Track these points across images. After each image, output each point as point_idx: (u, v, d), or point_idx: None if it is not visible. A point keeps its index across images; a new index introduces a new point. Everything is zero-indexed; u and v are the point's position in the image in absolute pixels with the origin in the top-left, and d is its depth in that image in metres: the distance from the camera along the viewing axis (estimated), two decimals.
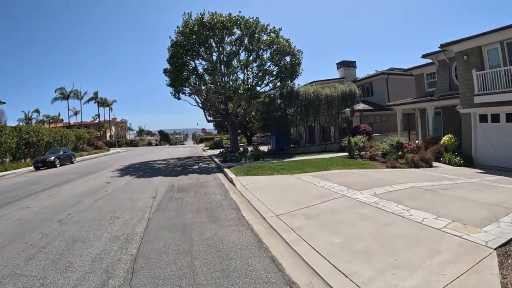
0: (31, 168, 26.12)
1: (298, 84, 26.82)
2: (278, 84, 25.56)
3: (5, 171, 25.13)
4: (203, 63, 25.25)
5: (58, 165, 26.68)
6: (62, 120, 78.05)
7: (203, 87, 27.54)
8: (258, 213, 7.82)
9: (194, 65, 24.18)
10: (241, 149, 26.31)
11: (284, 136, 25.72)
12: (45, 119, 78.25)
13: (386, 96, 31.13)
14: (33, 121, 76.26)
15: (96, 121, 78.43)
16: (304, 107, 25.26)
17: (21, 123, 67.56)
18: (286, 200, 8.75)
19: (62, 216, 8.72)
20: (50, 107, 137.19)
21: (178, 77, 23.53)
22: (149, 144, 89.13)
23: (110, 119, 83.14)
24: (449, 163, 16.58)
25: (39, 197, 12.02)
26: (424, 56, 21.61)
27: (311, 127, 29.59)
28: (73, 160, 30.02)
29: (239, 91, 21.73)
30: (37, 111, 75.98)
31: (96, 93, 74.95)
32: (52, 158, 26.53)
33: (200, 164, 21.79)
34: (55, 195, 12.25)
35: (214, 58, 24.95)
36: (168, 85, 26.25)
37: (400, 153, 18.03)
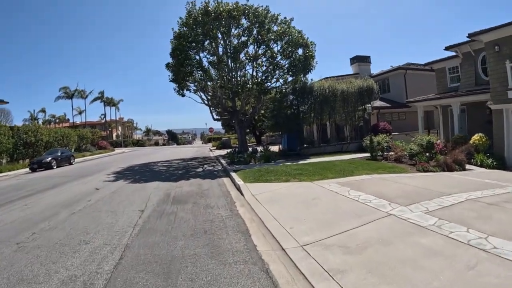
0: (28, 169, 24.48)
1: (311, 79, 24.63)
2: (290, 79, 23.44)
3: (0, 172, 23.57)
4: (209, 57, 23.28)
5: (55, 167, 24.95)
6: (68, 120, 76.80)
7: (209, 83, 25.55)
8: (274, 240, 5.68)
9: (198, 58, 22.12)
10: (250, 149, 24.23)
11: (296, 135, 23.58)
12: (51, 119, 77.09)
13: (404, 93, 29.05)
14: (40, 121, 75.29)
15: (103, 121, 77.11)
16: (319, 104, 23.03)
17: (26, 123, 66.32)
18: (312, 220, 6.60)
19: (25, 236, 6.82)
20: (56, 107, 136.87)
21: (180, 71, 21.51)
22: (156, 144, 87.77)
23: (117, 119, 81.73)
24: (481, 165, 14.51)
25: (13, 207, 10.17)
26: (447, 48, 19.62)
27: (323, 126, 27.33)
28: (71, 161, 28.26)
29: (248, 85, 19.62)
30: (43, 110, 74.91)
31: (102, 93, 73.67)
32: (49, 159, 24.82)
33: (205, 166, 19.72)
34: (32, 204, 10.36)
35: (220, 51, 22.94)
36: (170, 81, 24.27)
37: (428, 154, 15.90)
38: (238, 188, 10.67)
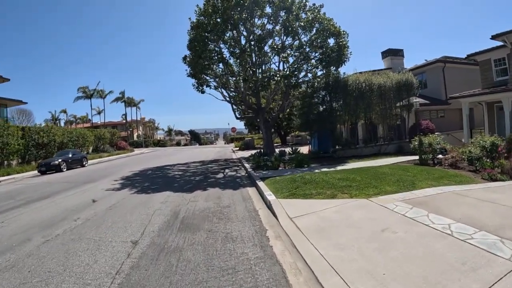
0: (37, 172, 22.79)
1: (344, 73, 21.69)
2: (319, 73, 20.76)
3: (7, 175, 22.03)
4: (230, 48, 20.80)
5: (65, 169, 23.13)
6: (90, 120, 75.93)
7: (231, 79, 23.16)
8: None
9: (218, 49, 19.61)
10: (276, 151, 21.69)
11: (328, 135, 20.88)
12: (72, 119, 76.59)
13: (442, 88, 26.45)
14: (62, 122, 75.07)
15: (124, 121, 76.12)
16: (354, 100, 20.22)
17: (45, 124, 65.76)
18: (397, 276, 3.93)
19: None
20: (76, 108, 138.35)
21: (198, 64, 19.11)
22: (178, 144, 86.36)
23: (139, 119, 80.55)
24: None
25: None
26: (494, 37, 17.44)
27: (353, 125, 24.35)
28: (84, 163, 26.39)
29: (276, 77, 16.99)
30: (64, 111, 74.44)
31: (123, 93, 72.69)
32: (57, 161, 22.97)
33: (226, 171, 17.19)
34: (10, 221, 8.28)
35: (243, 41, 20.45)
36: (188, 76, 22.01)
37: (488, 159, 13.16)
38: (269, 206, 8.07)
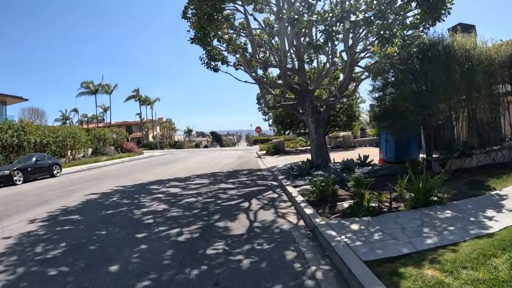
0: None
1: (442, 34, 13.18)
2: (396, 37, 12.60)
3: None
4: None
5: (20, 182, 16.19)
6: (103, 119, 69.76)
7: (261, 53, 15.56)
8: None
9: None
10: (333, 160, 13.70)
11: (412, 135, 12.79)
12: (83, 119, 70.76)
13: None
14: (74, 121, 69.50)
15: (139, 121, 69.79)
16: (459, 78, 11.93)
17: (58, 123, 60.08)
18: None
19: None
20: (88, 107, 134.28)
21: (204, 4, 11.22)
22: (197, 146, 79.85)
23: (156, 119, 73.75)
24: None
25: None
26: None
27: (448, 119, 15.63)
28: (55, 172, 19.10)
29: (355, 16, 8.51)
30: (76, 110, 68.44)
31: (137, 90, 66.16)
32: (8, 171, 15.83)
33: (253, 206, 8.71)
34: None
35: None
36: (192, 41, 14.14)
37: None
38: None
